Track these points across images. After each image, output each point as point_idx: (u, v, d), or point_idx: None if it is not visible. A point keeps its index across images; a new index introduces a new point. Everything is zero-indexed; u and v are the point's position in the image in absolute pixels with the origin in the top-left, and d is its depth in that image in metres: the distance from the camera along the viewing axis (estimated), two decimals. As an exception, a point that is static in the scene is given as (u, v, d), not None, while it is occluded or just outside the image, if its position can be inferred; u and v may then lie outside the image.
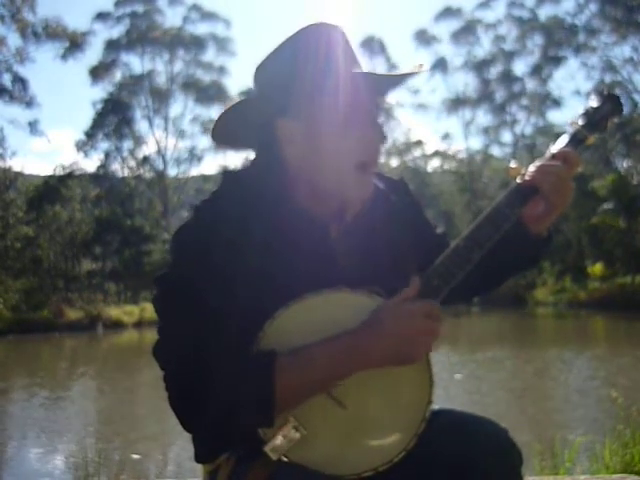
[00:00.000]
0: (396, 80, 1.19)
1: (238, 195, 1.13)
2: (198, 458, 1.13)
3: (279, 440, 1.04)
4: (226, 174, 1.19)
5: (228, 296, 1.06)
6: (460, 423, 1.14)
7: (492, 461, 1.09)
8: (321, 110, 1.11)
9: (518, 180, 1.18)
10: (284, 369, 1.03)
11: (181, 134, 37.06)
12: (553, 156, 1.21)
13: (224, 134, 1.20)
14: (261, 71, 1.16)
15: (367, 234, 1.19)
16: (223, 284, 1.06)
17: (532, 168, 1.19)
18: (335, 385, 1.06)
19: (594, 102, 1.25)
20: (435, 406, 1.15)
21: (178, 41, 35.96)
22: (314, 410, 1.06)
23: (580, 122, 1.24)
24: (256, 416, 1.03)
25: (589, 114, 1.24)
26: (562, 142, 1.23)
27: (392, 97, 39.80)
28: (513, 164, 1.20)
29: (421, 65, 1.17)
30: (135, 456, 5.12)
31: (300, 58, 1.12)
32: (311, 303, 1.07)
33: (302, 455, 1.05)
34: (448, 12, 39.52)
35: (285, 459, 1.05)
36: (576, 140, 1.23)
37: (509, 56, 38.51)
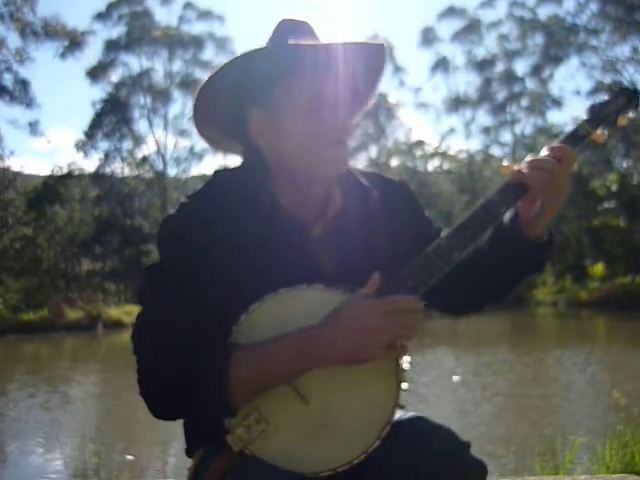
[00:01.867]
0: (361, 50, 1.17)
1: (221, 193, 1.16)
2: (187, 452, 1.18)
3: (241, 431, 1.05)
4: (215, 173, 1.22)
5: (211, 290, 1.08)
6: (418, 435, 1.09)
7: (445, 476, 1.04)
8: (283, 96, 1.12)
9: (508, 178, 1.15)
10: (239, 362, 1.04)
11: (181, 133, 37.07)
12: (547, 152, 1.15)
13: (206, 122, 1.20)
14: (231, 69, 1.15)
15: (348, 231, 1.19)
16: (208, 278, 1.09)
17: (523, 164, 1.15)
18: (294, 380, 1.06)
19: (605, 97, 1.20)
20: (408, 412, 1.13)
21: (176, 40, 35.94)
22: (278, 404, 1.07)
23: (585, 117, 1.19)
24: (214, 407, 1.05)
25: (595, 108, 1.19)
26: (562, 138, 1.18)
27: (393, 97, 39.81)
28: (505, 162, 1.17)
29: (382, 44, 1.19)
30: (129, 457, 5.11)
31: (265, 49, 1.13)
32: (284, 298, 1.08)
33: (263, 449, 1.06)
34: (451, 11, 39.52)
35: (247, 452, 1.05)
36: (577, 136, 1.18)
37: (510, 56, 38.51)
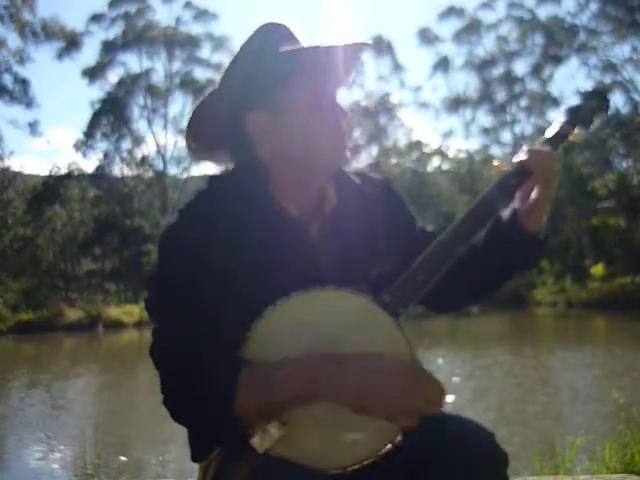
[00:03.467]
0: (351, 50, 1.22)
1: (219, 197, 1.17)
2: (193, 457, 1.15)
3: (262, 434, 1.04)
4: (210, 178, 1.23)
5: (218, 294, 1.09)
6: (445, 424, 1.13)
7: (479, 463, 1.08)
8: (285, 97, 1.16)
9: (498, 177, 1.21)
10: (245, 385, 1.04)
11: (181, 133, 37.04)
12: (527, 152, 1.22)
13: (198, 140, 1.24)
14: (225, 74, 1.21)
15: (345, 228, 1.21)
16: (214, 283, 1.09)
17: (522, 154, 1.21)
18: (300, 409, 1.05)
19: (580, 99, 1.28)
20: None
21: (175, 40, 35.95)
22: None
23: (563, 118, 1.26)
24: (225, 424, 1.05)
25: (571, 111, 1.26)
26: (545, 137, 1.26)
27: (394, 98, 39.81)
28: (496, 162, 1.23)
29: (367, 43, 1.21)
30: (123, 458, 5.11)
31: (259, 52, 1.17)
32: (297, 302, 1.08)
33: (287, 449, 1.05)
34: (451, 11, 39.55)
35: (272, 452, 1.05)
36: (559, 136, 1.26)
37: (510, 56, 38.52)
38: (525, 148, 1.22)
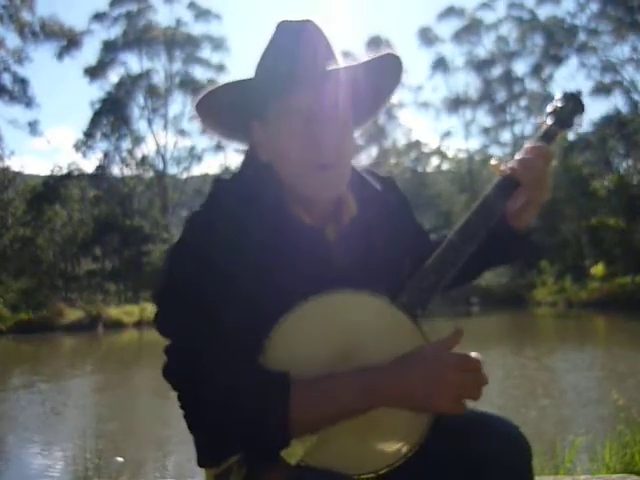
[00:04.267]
0: (367, 68, 1.15)
1: (231, 202, 1.12)
2: (200, 462, 1.13)
3: (295, 444, 1.03)
4: (216, 183, 1.19)
5: (236, 307, 1.05)
6: (474, 421, 1.15)
7: (508, 457, 1.10)
8: (279, 114, 1.13)
9: (499, 175, 1.24)
10: (299, 401, 1.01)
11: (181, 133, 37.07)
12: (528, 151, 1.25)
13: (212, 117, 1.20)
14: (232, 84, 1.16)
15: (364, 236, 1.19)
16: (228, 292, 1.05)
17: (512, 162, 1.24)
18: (350, 418, 1.05)
19: (558, 102, 1.32)
20: None
21: (175, 40, 35.93)
22: None
23: (549, 120, 1.30)
24: (271, 440, 1.02)
25: (556, 112, 1.31)
26: (535, 138, 1.30)
27: (394, 98, 39.72)
28: (493, 161, 1.26)
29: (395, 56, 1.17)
30: (122, 459, 5.10)
31: (268, 60, 1.15)
32: (315, 306, 1.07)
33: (319, 457, 1.05)
34: (451, 11, 39.53)
35: (302, 463, 1.03)
36: (548, 137, 1.29)
37: (510, 56, 38.51)
38: (517, 156, 1.25)
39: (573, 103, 1.31)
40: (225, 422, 1.03)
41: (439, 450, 1.10)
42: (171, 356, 1.08)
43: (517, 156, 1.25)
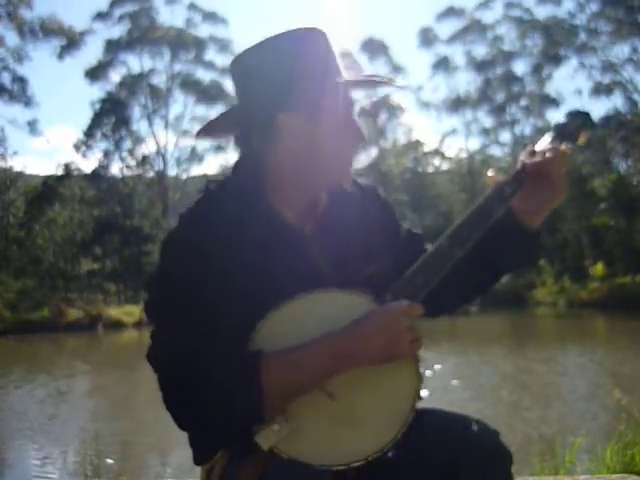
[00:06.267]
0: (369, 85, 1.29)
1: (218, 200, 1.18)
2: (196, 460, 1.16)
3: (269, 432, 1.05)
4: (208, 182, 1.24)
5: (219, 296, 1.09)
6: (451, 423, 1.16)
7: (484, 461, 1.11)
8: (323, 108, 1.17)
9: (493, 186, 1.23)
10: (270, 370, 1.06)
11: (182, 134, 37.07)
12: (540, 151, 1.25)
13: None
14: (252, 69, 1.19)
15: (337, 227, 1.23)
16: (215, 285, 1.10)
17: (537, 156, 1.24)
18: (323, 384, 1.09)
19: (566, 118, 1.35)
20: (428, 405, 1.18)
21: (178, 41, 35.92)
22: (304, 401, 1.08)
23: (552, 134, 1.32)
24: (246, 416, 1.06)
25: (558, 127, 1.33)
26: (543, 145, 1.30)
27: (395, 98, 39.81)
28: (490, 172, 1.26)
29: (391, 79, 1.28)
30: (109, 461, 5.11)
31: (302, 58, 1.17)
32: (301, 303, 1.11)
33: (293, 446, 1.07)
34: (451, 12, 39.52)
35: (276, 450, 1.06)
36: (569, 136, 1.30)
37: (509, 56, 38.49)
38: (539, 149, 1.25)
39: (581, 119, 1.33)
40: (202, 398, 1.07)
41: (414, 449, 1.11)
42: (155, 340, 1.14)
43: (537, 156, 1.25)
